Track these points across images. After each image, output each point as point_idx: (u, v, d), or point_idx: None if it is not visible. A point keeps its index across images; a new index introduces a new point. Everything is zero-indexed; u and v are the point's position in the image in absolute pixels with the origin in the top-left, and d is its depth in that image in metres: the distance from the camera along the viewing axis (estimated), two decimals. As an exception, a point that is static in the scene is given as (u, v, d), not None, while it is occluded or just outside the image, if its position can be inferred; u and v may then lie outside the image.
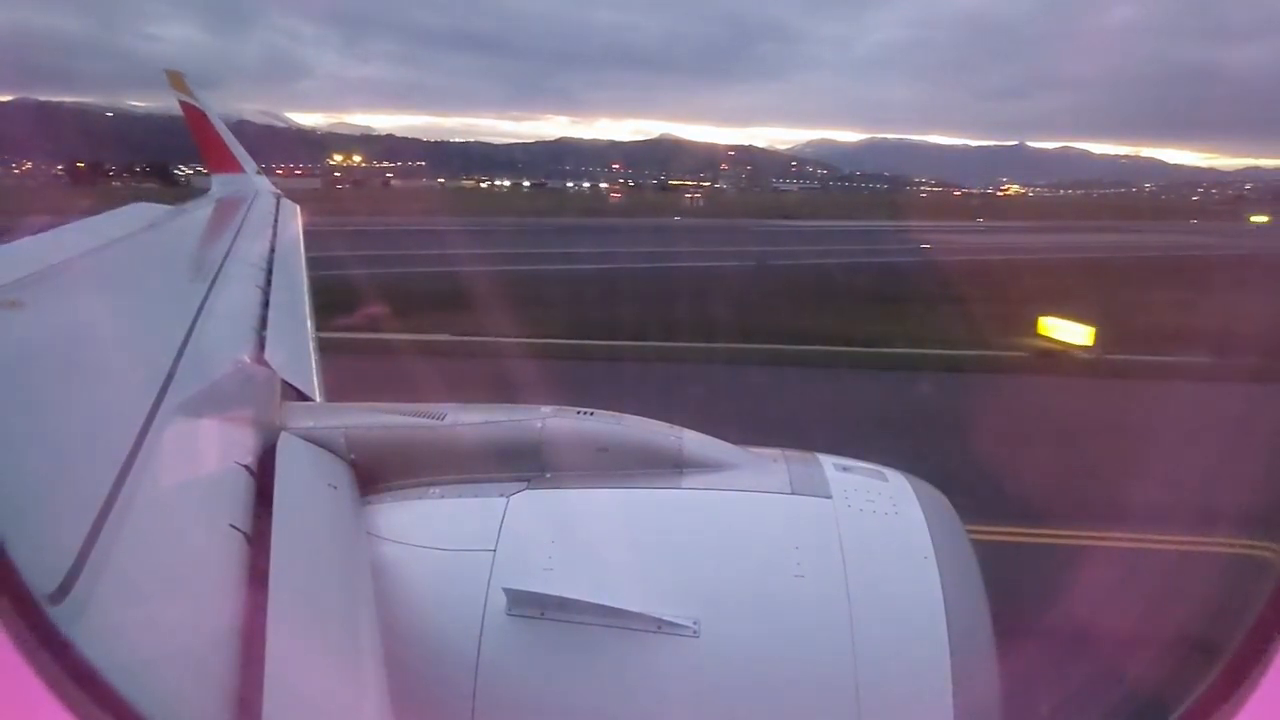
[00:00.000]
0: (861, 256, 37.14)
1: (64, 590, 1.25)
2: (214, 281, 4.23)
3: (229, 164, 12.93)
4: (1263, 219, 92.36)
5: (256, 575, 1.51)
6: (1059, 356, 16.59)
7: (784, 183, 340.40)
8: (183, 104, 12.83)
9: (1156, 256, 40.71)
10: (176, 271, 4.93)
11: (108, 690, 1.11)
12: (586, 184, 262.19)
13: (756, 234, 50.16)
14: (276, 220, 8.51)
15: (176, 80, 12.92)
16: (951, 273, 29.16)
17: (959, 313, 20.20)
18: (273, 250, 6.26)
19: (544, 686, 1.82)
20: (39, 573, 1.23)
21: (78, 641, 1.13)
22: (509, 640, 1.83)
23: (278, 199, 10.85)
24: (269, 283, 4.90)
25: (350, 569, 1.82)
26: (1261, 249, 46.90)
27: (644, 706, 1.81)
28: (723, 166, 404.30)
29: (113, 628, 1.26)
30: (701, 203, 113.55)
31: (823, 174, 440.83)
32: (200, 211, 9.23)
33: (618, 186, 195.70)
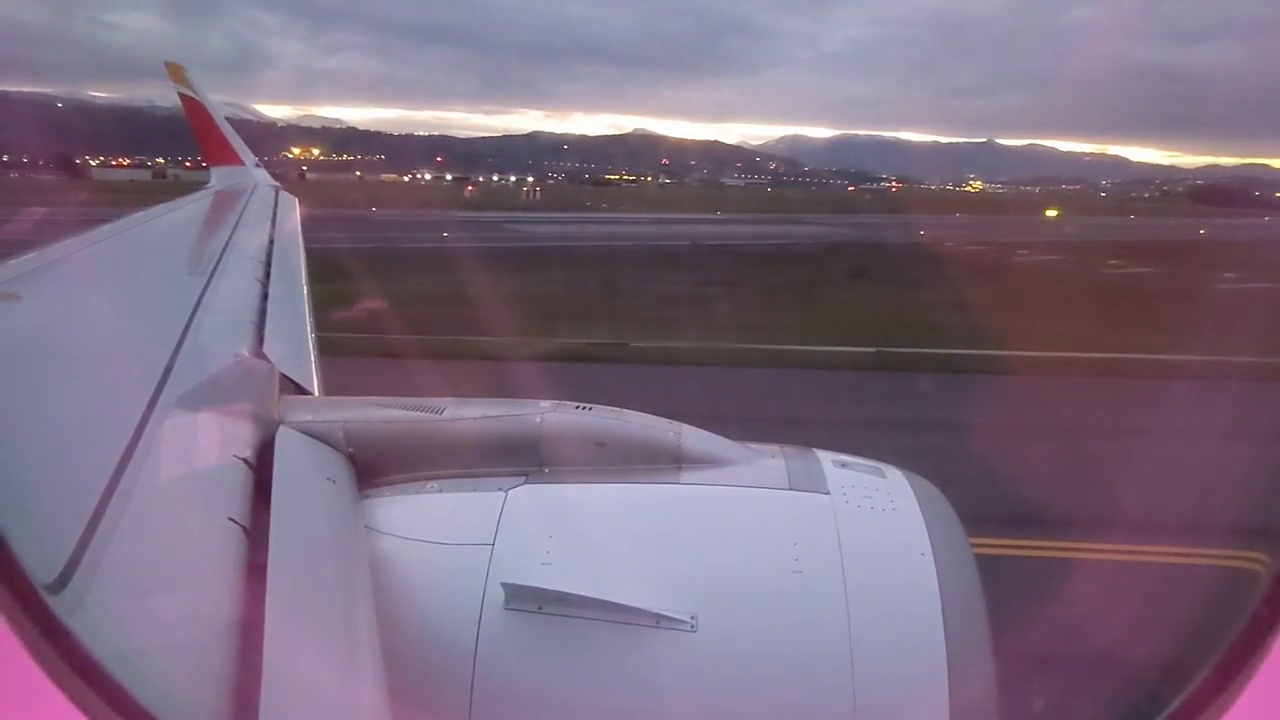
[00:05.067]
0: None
1: (63, 580, 1.26)
2: (213, 274, 4.24)
3: (228, 156, 12.94)
4: (1054, 213, 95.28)
5: (254, 568, 1.53)
6: None
7: (737, 178, 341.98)
8: (182, 96, 12.89)
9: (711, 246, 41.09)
10: (175, 264, 4.93)
11: (107, 679, 1.12)
12: (522, 177, 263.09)
13: (442, 224, 51.30)
14: (275, 213, 8.52)
15: (176, 73, 12.96)
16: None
17: None
18: (271, 243, 6.28)
19: (542, 681, 1.84)
20: (39, 563, 1.24)
21: (77, 631, 1.15)
22: (507, 634, 1.85)
23: (276, 191, 10.89)
24: (268, 276, 4.90)
25: (348, 562, 1.84)
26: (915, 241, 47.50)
27: (642, 701, 1.83)
28: (664, 162, 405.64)
29: (112, 618, 1.28)
30: (537, 196, 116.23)
31: (775, 170, 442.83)
32: (200, 203, 9.40)
33: (474, 182, 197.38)
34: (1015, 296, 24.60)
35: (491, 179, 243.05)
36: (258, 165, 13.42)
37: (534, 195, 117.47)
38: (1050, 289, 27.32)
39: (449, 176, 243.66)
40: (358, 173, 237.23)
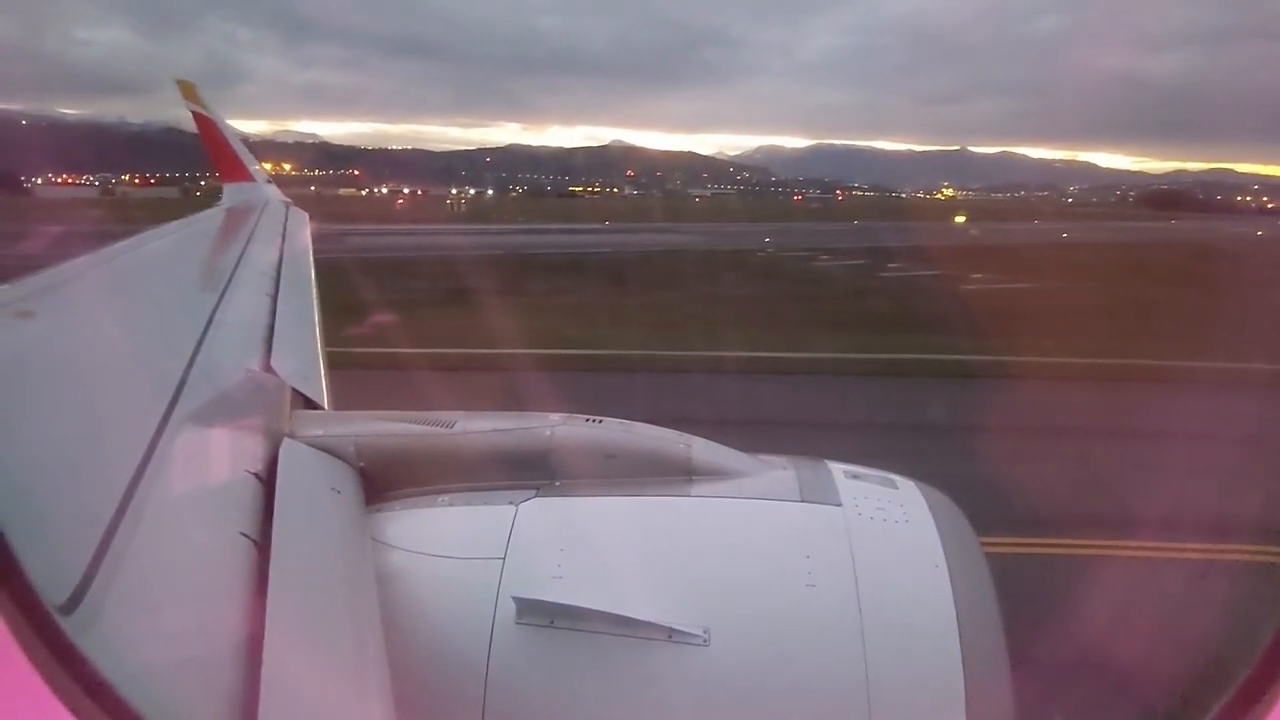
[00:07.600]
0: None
1: (75, 601, 1.24)
2: (225, 290, 4.27)
3: (239, 173, 13.18)
4: (962, 218, 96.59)
5: (266, 583, 1.53)
6: None
7: (705, 189, 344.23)
8: (194, 114, 13.08)
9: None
10: (188, 280, 4.96)
11: (119, 702, 1.11)
12: (482, 190, 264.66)
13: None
14: (286, 228, 8.66)
15: (188, 90, 13.13)
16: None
17: None
18: (282, 258, 6.33)
19: (553, 696, 1.83)
20: (50, 583, 1.22)
21: (89, 652, 1.14)
22: (518, 649, 1.84)
23: (287, 207, 11.08)
24: (278, 291, 4.93)
25: (354, 574, 1.83)
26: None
27: (654, 716, 1.82)
28: (629, 173, 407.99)
29: (125, 638, 1.26)
30: (462, 208, 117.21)
31: (744, 180, 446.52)
32: (214, 220, 9.56)
33: (405, 194, 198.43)
34: (717, 300, 25.19)
35: (450, 192, 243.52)
36: (268, 182, 13.64)
37: (457, 207, 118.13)
38: (777, 291, 27.85)
39: (405, 190, 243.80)
40: (312, 188, 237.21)
